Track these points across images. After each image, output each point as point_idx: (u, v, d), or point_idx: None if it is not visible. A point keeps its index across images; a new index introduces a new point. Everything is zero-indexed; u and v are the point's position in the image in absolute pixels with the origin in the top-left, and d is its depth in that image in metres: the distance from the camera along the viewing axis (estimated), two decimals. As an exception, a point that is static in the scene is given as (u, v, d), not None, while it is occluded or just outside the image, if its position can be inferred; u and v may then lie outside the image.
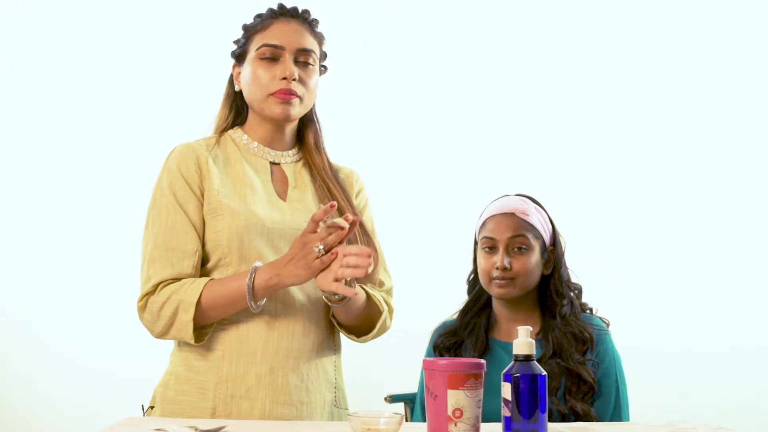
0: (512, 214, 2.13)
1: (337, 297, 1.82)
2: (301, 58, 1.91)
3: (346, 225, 1.74)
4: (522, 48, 3.67)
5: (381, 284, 2.00)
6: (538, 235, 2.14)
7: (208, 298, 1.80)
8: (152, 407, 1.90)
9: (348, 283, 1.76)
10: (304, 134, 2.01)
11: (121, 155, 3.57)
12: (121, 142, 3.58)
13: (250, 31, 1.95)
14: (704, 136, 3.58)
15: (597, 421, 2.01)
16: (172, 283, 1.83)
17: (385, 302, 1.97)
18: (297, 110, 1.92)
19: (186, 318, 1.79)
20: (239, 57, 1.97)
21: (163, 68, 3.59)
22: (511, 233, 2.11)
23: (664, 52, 3.61)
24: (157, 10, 3.63)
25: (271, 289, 1.79)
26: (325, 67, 2.01)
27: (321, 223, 1.74)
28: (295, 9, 1.95)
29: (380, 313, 1.94)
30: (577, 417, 2.00)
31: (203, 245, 1.87)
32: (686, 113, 3.59)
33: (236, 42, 1.98)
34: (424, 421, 1.57)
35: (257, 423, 1.76)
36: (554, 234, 2.19)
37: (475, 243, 2.22)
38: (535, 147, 3.63)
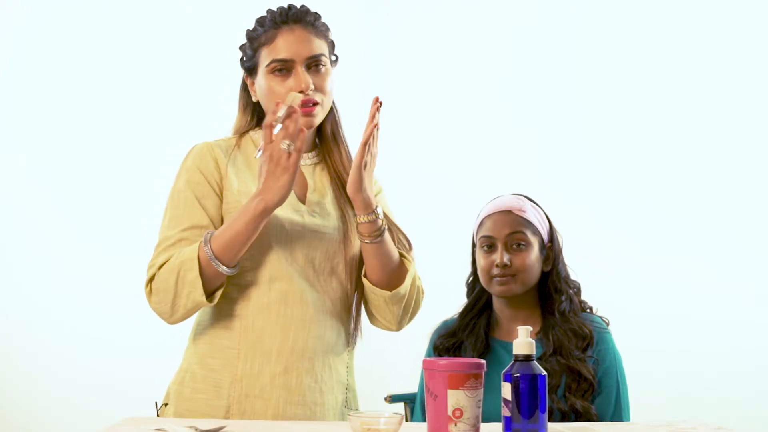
0: (509, 212, 2.14)
1: (372, 215, 1.83)
2: (312, 65, 1.90)
3: (297, 103, 1.77)
4: (522, 48, 3.67)
5: None
6: (536, 232, 2.14)
7: (218, 246, 1.77)
8: (166, 404, 1.91)
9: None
10: (323, 126, 1.99)
11: (122, 155, 3.57)
12: (121, 143, 3.58)
13: (255, 43, 1.92)
14: (704, 136, 3.58)
15: (597, 418, 2.02)
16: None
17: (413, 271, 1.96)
18: (319, 117, 1.92)
19: (191, 276, 1.77)
20: (250, 69, 1.95)
21: (164, 68, 3.59)
22: (509, 230, 2.12)
23: (664, 53, 3.61)
24: (157, 9, 3.63)
25: (262, 214, 1.77)
26: (336, 56, 1.99)
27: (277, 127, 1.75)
28: (295, 14, 1.92)
29: (407, 270, 1.92)
30: (578, 415, 2.00)
31: None
32: (686, 113, 3.59)
33: (243, 52, 1.96)
34: (424, 421, 1.57)
35: (258, 423, 1.76)
36: (551, 231, 2.20)
37: (473, 245, 2.22)
38: (535, 147, 3.63)
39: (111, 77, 3.59)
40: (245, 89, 1.99)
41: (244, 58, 1.96)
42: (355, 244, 1.92)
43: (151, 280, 1.82)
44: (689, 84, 3.59)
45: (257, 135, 1.97)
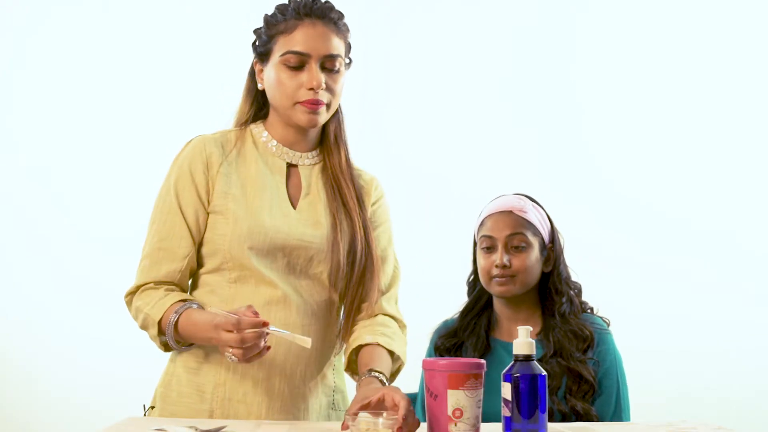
0: (510, 212, 2.13)
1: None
2: (328, 64, 1.85)
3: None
4: (522, 48, 3.67)
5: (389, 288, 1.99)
6: (537, 233, 2.14)
7: (183, 328, 1.79)
8: (152, 407, 1.90)
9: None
10: (326, 127, 1.95)
11: (121, 155, 3.57)
12: (121, 142, 3.58)
13: (272, 30, 1.86)
14: (704, 136, 3.58)
15: (598, 420, 2.02)
16: (153, 288, 1.84)
17: (397, 323, 1.96)
18: (323, 117, 1.88)
19: (153, 332, 1.83)
20: (262, 56, 1.89)
21: (163, 68, 3.59)
22: (509, 231, 2.11)
23: (663, 52, 3.61)
24: (157, 9, 3.63)
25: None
26: (350, 59, 1.94)
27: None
28: (320, 8, 1.86)
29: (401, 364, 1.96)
30: (578, 416, 2.00)
31: (203, 245, 1.87)
32: (686, 113, 3.59)
33: (257, 36, 1.90)
34: (424, 421, 1.57)
35: (258, 423, 1.76)
36: (553, 232, 2.19)
37: (475, 244, 2.22)
38: (535, 147, 3.63)
39: (111, 77, 3.60)
40: (252, 75, 1.94)
41: (258, 43, 1.90)
42: (342, 251, 1.88)
43: (130, 294, 1.87)
44: (689, 84, 3.59)
45: (257, 129, 1.93)
